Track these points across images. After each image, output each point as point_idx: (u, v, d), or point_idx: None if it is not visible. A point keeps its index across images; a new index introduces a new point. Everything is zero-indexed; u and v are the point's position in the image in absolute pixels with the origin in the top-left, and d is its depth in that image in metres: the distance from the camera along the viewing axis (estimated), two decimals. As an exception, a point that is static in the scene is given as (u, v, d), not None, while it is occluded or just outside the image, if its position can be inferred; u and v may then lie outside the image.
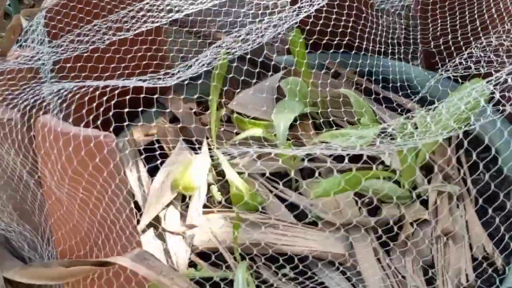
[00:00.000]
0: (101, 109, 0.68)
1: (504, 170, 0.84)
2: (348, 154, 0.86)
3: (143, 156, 0.92)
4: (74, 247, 0.57)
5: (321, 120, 0.95)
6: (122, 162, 0.53)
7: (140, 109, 0.78)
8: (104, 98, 0.71)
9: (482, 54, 0.72)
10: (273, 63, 0.96)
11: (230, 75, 0.93)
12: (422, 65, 0.96)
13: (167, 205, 0.85)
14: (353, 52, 1.02)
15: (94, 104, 0.70)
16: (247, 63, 0.97)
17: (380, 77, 1.03)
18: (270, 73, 1.00)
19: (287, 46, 1.05)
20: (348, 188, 0.77)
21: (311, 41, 0.99)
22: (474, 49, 0.70)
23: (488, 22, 0.77)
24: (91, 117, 0.72)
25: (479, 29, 0.78)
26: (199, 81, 0.86)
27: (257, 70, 0.95)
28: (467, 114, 0.74)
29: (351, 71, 1.04)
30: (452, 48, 0.84)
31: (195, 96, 0.97)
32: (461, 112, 0.76)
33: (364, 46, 0.98)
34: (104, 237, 0.56)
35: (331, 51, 0.99)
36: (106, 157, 0.51)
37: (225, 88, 0.94)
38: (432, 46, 0.89)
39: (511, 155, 0.83)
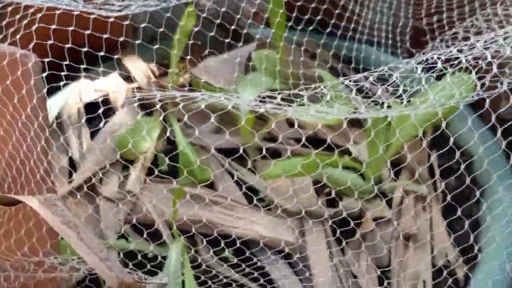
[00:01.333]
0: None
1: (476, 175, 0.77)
2: (313, 138, 0.80)
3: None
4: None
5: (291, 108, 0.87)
6: (40, 87, 0.44)
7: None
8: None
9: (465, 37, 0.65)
10: (245, 31, 0.87)
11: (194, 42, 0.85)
12: (409, 43, 0.89)
13: (106, 168, 0.76)
14: (339, 34, 0.95)
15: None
16: (215, 28, 0.88)
17: (361, 66, 0.96)
18: (240, 44, 0.91)
19: (265, 16, 0.97)
20: (303, 173, 0.69)
21: (292, 17, 0.91)
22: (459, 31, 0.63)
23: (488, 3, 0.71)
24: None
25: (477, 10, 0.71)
26: (156, 46, 0.77)
27: (228, 40, 0.87)
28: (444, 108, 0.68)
29: (330, 53, 0.96)
30: (446, 28, 0.78)
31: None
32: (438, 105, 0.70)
33: (351, 27, 0.91)
34: (13, 174, 0.47)
35: (310, 28, 0.91)
36: (19, 79, 0.42)
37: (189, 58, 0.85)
38: (424, 23, 0.82)
39: (483, 160, 0.77)
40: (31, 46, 0.61)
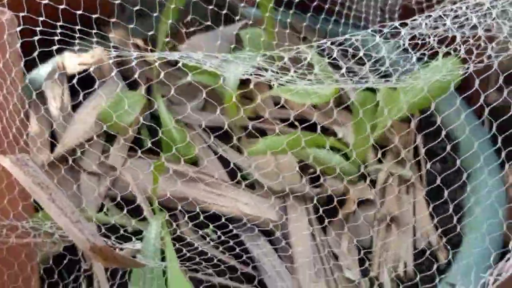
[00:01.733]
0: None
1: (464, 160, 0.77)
2: (299, 118, 0.79)
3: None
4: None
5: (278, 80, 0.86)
6: (14, 43, 0.42)
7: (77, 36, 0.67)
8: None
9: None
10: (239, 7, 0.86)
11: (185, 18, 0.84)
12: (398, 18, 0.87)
13: (88, 141, 0.74)
14: (333, 19, 0.93)
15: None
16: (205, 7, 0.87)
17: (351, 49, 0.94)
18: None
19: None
20: (287, 149, 0.68)
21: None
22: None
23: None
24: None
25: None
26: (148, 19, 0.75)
27: (218, 15, 0.85)
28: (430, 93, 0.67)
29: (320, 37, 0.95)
30: (435, 7, 0.76)
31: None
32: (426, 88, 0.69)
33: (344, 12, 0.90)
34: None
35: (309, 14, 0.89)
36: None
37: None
38: (413, 2, 0.81)
39: (469, 146, 0.77)
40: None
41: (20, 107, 0.46)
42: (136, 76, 0.56)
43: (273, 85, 0.55)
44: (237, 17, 0.87)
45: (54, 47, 0.53)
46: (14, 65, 0.43)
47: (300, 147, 0.66)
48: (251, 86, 0.59)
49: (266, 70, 0.53)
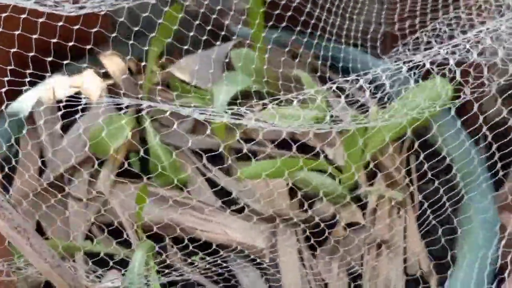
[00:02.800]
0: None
1: (457, 182, 0.75)
2: (290, 140, 0.78)
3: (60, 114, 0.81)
4: None
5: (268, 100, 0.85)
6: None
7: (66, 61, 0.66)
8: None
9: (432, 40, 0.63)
10: (223, 33, 0.85)
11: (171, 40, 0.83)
12: (381, 48, 0.87)
13: (76, 166, 0.74)
14: (318, 34, 0.92)
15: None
16: (194, 28, 0.86)
17: (340, 65, 0.93)
18: (218, 43, 0.89)
19: (243, 17, 0.95)
20: (279, 173, 0.68)
21: (273, 16, 0.89)
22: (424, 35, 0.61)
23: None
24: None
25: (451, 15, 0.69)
26: (131, 42, 0.75)
27: (204, 37, 0.84)
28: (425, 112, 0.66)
29: (310, 54, 0.94)
30: (418, 33, 0.75)
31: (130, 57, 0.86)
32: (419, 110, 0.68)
33: (328, 28, 0.89)
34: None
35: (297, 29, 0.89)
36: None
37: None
38: (396, 29, 0.80)
39: (465, 168, 0.76)
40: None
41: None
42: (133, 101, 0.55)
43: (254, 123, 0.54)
44: (224, 31, 0.86)
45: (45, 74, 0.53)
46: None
47: (292, 168, 0.65)
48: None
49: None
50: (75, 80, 0.84)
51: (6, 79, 0.61)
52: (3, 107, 0.76)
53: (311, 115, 0.68)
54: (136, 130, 0.79)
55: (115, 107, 0.81)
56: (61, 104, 0.66)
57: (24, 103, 0.82)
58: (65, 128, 0.79)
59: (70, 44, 0.62)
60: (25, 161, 0.76)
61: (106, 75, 0.87)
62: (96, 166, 0.74)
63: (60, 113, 0.81)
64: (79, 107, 0.71)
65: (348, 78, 0.52)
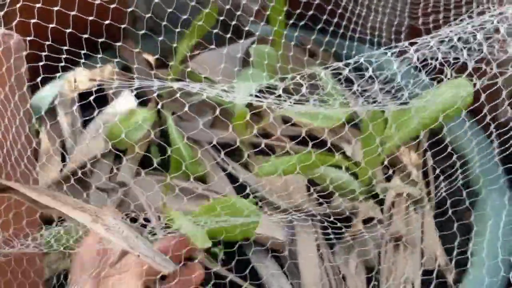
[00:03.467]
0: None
1: (473, 179, 0.76)
2: (308, 136, 0.79)
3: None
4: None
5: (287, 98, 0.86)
6: (21, 66, 0.43)
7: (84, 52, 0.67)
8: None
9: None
10: (246, 29, 0.86)
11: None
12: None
13: (98, 158, 0.75)
14: (339, 34, 0.93)
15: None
16: (219, 26, 0.88)
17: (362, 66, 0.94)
18: (242, 41, 0.90)
19: (267, 13, 0.96)
20: (296, 168, 0.68)
21: (295, 14, 0.90)
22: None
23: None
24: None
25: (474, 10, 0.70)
26: (160, 38, 0.76)
27: (228, 35, 0.86)
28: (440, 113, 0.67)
29: (329, 53, 0.95)
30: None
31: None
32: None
33: (351, 27, 0.89)
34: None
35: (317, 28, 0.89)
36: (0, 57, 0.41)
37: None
38: (420, 23, 0.80)
39: (483, 169, 0.76)
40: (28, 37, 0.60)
41: (22, 131, 0.47)
42: (154, 95, 0.56)
43: (275, 109, 0.55)
44: (245, 33, 0.87)
45: (61, 64, 0.54)
46: (19, 89, 0.44)
47: (310, 164, 0.66)
48: (264, 106, 0.59)
49: (272, 93, 0.54)
50: (95, 73, 0.85)
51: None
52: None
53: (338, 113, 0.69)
54: (157, 124, 0.80)
55: (136, 99, 0.82)
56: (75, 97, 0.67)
57: (45, 95, 0.83)
58: (87, 121, 0.80)
59: (85, 36, 0.62)
60: (46, 152, 0.77)
61: (125, 69, 0.88)
62: (117, 158, 0.75)
63: (76, 105, 0.82)
64: (100, 100, 0.73)
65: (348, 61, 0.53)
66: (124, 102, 0.80)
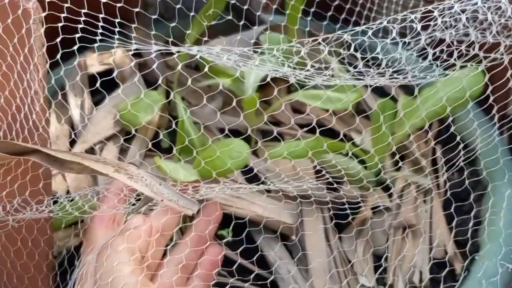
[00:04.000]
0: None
1: (483, 173, 0.76)
2: (317, 124, 0.79)
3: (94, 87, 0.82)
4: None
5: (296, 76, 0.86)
6: (38, 31, 0.43)
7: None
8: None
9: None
10: (258, 14, 0.86)
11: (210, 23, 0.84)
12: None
13: (107, 139, 0.75)
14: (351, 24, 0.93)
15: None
16: (231, 11, 0.87)
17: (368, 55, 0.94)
18: (255, 27, 0.90)
19: (275, 6, 0.96)
20: (307, 152, 0.68)
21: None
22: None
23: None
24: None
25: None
26: (173, 24, 0.76)
27: (242, 22, 0.85)
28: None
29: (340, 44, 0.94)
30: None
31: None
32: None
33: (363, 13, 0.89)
34: (6, 126, 0.46)
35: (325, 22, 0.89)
36: (19, 18, 0.41)
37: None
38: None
39: (492, 160, 0.76)
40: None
41: (40, 92, 0.47)
42: (160, 80, 0.56)
43: (291, 81, 0.55)
44: (256, 16, 0.87)
45: (76, 47, 0.54)
46: (38, 51, 0.44)
47: (319, 150, 0.66)
48: (275, 91, 0.59)
49: (284, 65, 0.54)
50: (106, 57, 0.85)
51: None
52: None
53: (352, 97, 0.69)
54: (166, 108, 0.80)
55: (146, 83, 0.82)
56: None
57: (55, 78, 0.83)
58: (96, 103, 0.81)
59: (100, 24, 0.63)
60: (56, 133, 0.77)
61: (136, 54, 0.88)
62: (126, 141, 0.75)
63: (87, 89, 0.83)
64: (110, 83, 0.73)
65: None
66: (133, 85, 0.80)
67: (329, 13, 0.87)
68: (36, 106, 0.45)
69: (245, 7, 0.83)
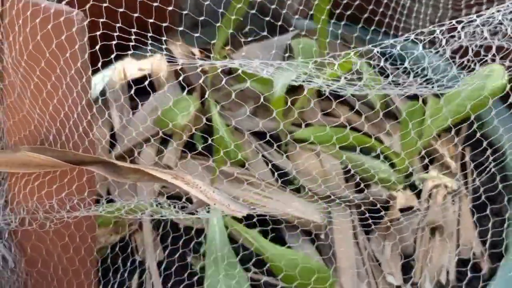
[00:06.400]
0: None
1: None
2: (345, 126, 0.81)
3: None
4: (24, 140, 0.52)
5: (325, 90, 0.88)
6: (86, 47, 0.47)
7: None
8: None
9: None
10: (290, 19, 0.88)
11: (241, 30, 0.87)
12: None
13: (145, 141, 0.79)
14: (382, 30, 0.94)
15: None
16: (254, 19, 0.90)
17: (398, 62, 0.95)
18: (289, 33, 0.93)
19: (311, 13, 0.99)
20: (331, 137, 0.69)
21: (337, 10, 0.92)
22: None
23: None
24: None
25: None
26: (196, 35, 0.79)
27: (264, 28, 0.88)
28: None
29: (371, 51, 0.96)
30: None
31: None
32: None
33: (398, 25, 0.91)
34: (55, 132, 0.50)
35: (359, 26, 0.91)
36: (73, 35, 0.45)
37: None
38: (463, 15, 0.81)
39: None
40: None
41: (91, 102, 0.51)
42: (197, 83, 0.59)
43: (324, 91, 0.57)
44: (291, 28, 0.90)
45: (113, 55, 0.58)
46: (81, 57, 0.47)
47: (344, 137, 0.68)
48: (305, 91, 0.61)
49: (318, 77, 0.56)
50: (143, 63, 0.90)
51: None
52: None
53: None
54: (201, 112, 0.83)
55: (182, 88, 0.85)
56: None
57: (96, 83, 0.88)
58: (134, 108, 0.85)
59: (134, 30, 0.66)
60: (96, 135, 0.81)
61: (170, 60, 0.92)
62: (163, 144, 0.79)
63: (126, 95, 0.87)
64: (148, 89, 0.76)
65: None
66: (170, 90, 0.84)
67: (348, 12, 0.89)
68: (88, 115, 0.49)
69: (271, 10, 0.85)
